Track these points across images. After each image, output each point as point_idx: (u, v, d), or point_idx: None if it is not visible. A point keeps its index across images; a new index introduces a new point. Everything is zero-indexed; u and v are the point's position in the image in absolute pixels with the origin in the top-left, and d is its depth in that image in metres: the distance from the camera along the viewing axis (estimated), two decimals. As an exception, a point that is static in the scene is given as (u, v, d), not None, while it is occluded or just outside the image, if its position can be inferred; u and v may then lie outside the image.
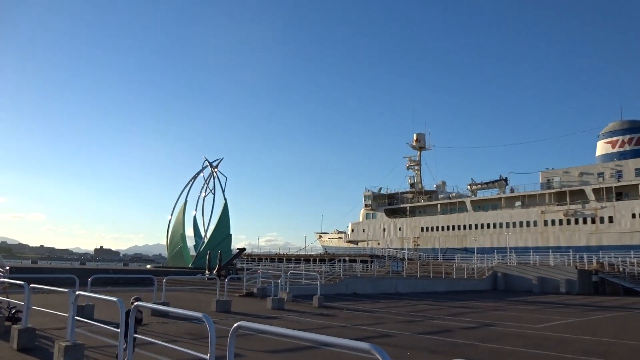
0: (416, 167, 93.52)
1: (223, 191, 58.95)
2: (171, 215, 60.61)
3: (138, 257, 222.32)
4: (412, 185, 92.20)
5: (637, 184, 60.46)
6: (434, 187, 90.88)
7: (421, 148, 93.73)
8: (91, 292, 11.63)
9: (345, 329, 15.32)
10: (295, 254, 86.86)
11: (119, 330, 7.00)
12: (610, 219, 60.45)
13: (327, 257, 72.10)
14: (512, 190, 74.34)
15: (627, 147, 67.13)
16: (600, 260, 46.49)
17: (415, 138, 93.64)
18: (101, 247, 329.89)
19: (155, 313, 16.20)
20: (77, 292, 8.87)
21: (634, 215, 58.57)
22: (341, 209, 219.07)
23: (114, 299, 7.15)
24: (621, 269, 44.33)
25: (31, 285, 10.56)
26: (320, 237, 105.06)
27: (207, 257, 41.67)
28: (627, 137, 67.73)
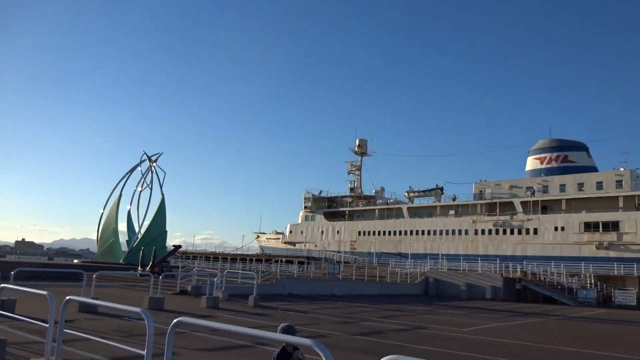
0: (357, 172, 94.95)
1: (161, 187, 57.47)
2: (104, 208, 58.35)
3: (63, 251, 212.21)
4: (352, 189, 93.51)
5: (561, 199, 64.24)
6: (373, 193, 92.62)
7: (363, 154, 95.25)
8: (14, 285, 11.07)
9: (281, 329, 15.37)
10: (232, 253, 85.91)
11: (47, 326, 6.74)
12: (535, 231, 63.80)
13: (264, 258, 71.86)
14: (454, 199, 76.60)
15: (554, 164, 71.14)
16: (524, 270, 49.00)
17: (357, 143, 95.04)
18: (23, 239, 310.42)
19: (83, 309, 15.60)
20: (2, 285, 8.44)
21: (556, 229, 62.12)
22: (280, 210, 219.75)
23: (44, 292, 6.88)
24: (542, 278, 46.90)
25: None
26: (258, 237, 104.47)
27: (141, 253, 40.46)
28: (555, 154, 71.78)
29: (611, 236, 57.70)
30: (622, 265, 49.50)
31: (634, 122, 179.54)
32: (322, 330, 15.81)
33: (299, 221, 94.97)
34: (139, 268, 37.97)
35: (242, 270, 40.00)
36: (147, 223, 55.33)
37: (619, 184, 61.34)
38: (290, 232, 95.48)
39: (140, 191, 58.50)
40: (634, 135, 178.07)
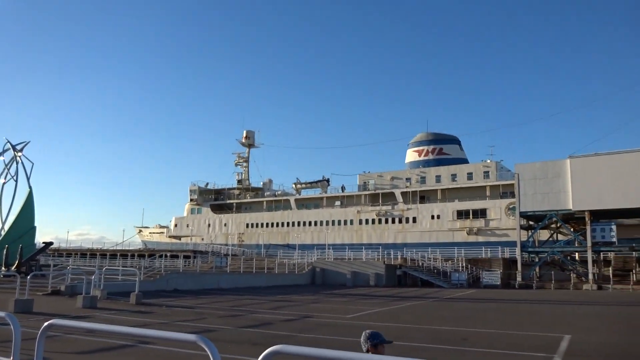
0: (244, 164, 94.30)
1: (28, 179, 52.39)
2: (-41, 203, 52.00)
3: None
4: (239, 181, 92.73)
5: (437, 189, 68.99)
6: (260, 185, 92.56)
7: (250, 145, 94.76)
8: None
9: (165, 326, 14.84)
10: (112, 249, 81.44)
11: None
12: (414, 220, 67.94)
13: (147, 253, 68.90)
14: (342, 189, 78.55)
15: (430, 156, 76.13)
16: (404, 256, 52.00)
17: (244, 135, 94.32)
18: None
19: None
20: None
21: (432, 217, 66.64)
22: (165, 203, 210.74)
23: None
24: (420, 264, 50.12)
25: None
26: (141, 231, 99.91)
27: (5, 252, 36.73)
28: (431, 147, 76.83)
29: (480, 222, 63.15)
30: (489, 249, 54.43)
31: (499, 117, 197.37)
32: (209, 324, 15.51)
33: (185, 214, 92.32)
34: (3, 268, 34.52)
35: (123, 266, 37.98)
36: (12, 218, 50.28)
37: (486, 174, 67.24)
38: (176, 225, 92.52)
39: (4, 183, 52.96)
40: (499, 129, 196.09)
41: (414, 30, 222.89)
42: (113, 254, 72.49)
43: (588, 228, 45.37)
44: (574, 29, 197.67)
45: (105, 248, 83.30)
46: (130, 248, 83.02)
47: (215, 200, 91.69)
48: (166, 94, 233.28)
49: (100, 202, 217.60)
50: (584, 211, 45.62)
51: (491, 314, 21.58)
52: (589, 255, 44.94)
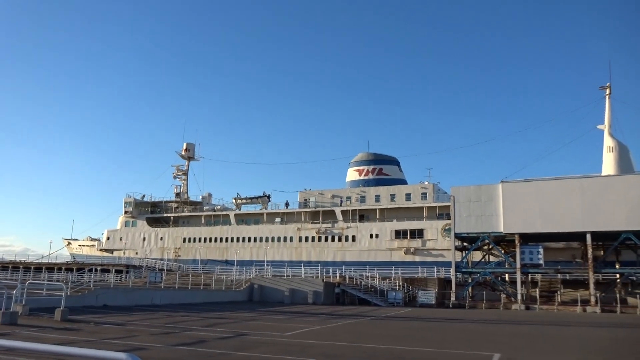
0: (183, 177, 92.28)
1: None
2: None
3: None
4: (177, 194, 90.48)
5: (376, 209, 70.13)
6: (199, 199, 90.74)
7: (190, 158, 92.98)
8: None
9: (93, 344, 14.07)
10: (37, 262, 76.94)
11: None
12: (353, 238, 68.61)
13: (76, 266, 65.74)
14: (287, 205, 77.78)
15: (370, 176, 77.41)
16: (343, 274, 52.30)
17: (184, 147, 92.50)
18: None
19: None
20: None
21: (371, 236, 67.56)
22: (97, 214, 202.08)
23: None
24: (358, 282, 50.54)
25: None
26: (70, 243, 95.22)
27: None
28: (372, 167, 78.18)
29: (417, 243, 64.58)
30: (425, 269, 55.70)
31: (437, 140, 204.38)
32: (141, 342, 14.89)
33: (118, 227, 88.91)
34: None
35: (49, 280, 35.99)
36: None
37: (424, 196, 69.04)
38: (108, 238, 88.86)
39: None
40: (437, 153, 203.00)
41: (358, 51, 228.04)
42: (38, 267, 68.59)
43: (517, 250, 47.42)
44: (512, 57, 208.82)
45: (29, 261, 78.62)
46: (58, 261, 78.75)
47: (151, 213, 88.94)
48: (102, 100, 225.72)
49: (27, 211, 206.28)
50: (514, 234, 47.70)
51: (426, 333, 21.98)
52: (518, 277, 46.90)
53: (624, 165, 55.92)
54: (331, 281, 50.02)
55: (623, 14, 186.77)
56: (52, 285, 28.52)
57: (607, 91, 59.53)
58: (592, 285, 44.53)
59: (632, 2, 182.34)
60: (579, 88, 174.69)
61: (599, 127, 59.64)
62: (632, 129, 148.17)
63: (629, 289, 48.40)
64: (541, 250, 47.18)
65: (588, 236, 45.19)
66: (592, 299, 43.98)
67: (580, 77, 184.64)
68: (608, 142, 57.74)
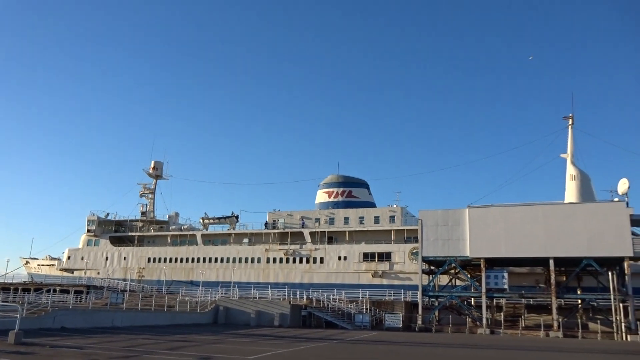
0: (150, 196, 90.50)
1: None
2: None
3: None
4: (143, 213, 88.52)
5: (344, 231, 70.10)
6: (166, 218, 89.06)
7: (157, 176, 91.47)
8: None
9: (47, 369, 13.44)
10: (-8, 281, 73.72)
11: None
12: (322, 260, 68.27)
13: (33, 287, 63.37)
14: (249, 226, 77.10)
15: (340, 198, 77.52)
16: (310, 297, 51.82)
17: (152, 165, 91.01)
18: None
19: None
20: None
21: (339, 258, 67.38)
22: (58, 233, 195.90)
23: None
24: (325, 305, 50.14)
25: None
26: (28, 262, 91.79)
27: None
28: (341, 189, 78.36)
29: (384, 265, 64.67)
30: (392, 292, 55.70)
31: (405, 165, 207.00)
32: (99, 366, 14.30)
33: (80, 246, 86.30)
34: None
35: (4, 301, 34.51)
36: None
37: (392, 219, 69.40)
38: (69, 257, 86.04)
39: None
40: (405, 177, 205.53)
41: (326, 75, 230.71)
42: (-7, 287, 65.80)
43: (483, 275, 47.96)
44: (481, 91, 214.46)
45: (-17, 280, 75.35)
46: (14, 281, 75.81)
47: (115, 232, 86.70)
48: (65, 113, 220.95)
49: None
50: (479, 258, 48.28)
51: (393, 358, 21.84)
52: (484, 301, 47.34)
53: (586, 193, 57.58)
54: (298, 303, 49.48)
55: (587, 49, 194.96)
56: (6, 307, 27.28)
57: (570, 121, 61.59)
58: (554, 311, 45.29)
59: (592, 38, 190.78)
60: (545, 117, 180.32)
61: (562, 155, 61.48)
62: (594, 158, 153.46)
63: (590, 315, 49.37)
64: (506, 274, 47.82)
65: (551, 262, 46.10)
66: (555, 324, 44.67)
67: (545, 108, 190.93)
68: (570, 170, 59.50)
